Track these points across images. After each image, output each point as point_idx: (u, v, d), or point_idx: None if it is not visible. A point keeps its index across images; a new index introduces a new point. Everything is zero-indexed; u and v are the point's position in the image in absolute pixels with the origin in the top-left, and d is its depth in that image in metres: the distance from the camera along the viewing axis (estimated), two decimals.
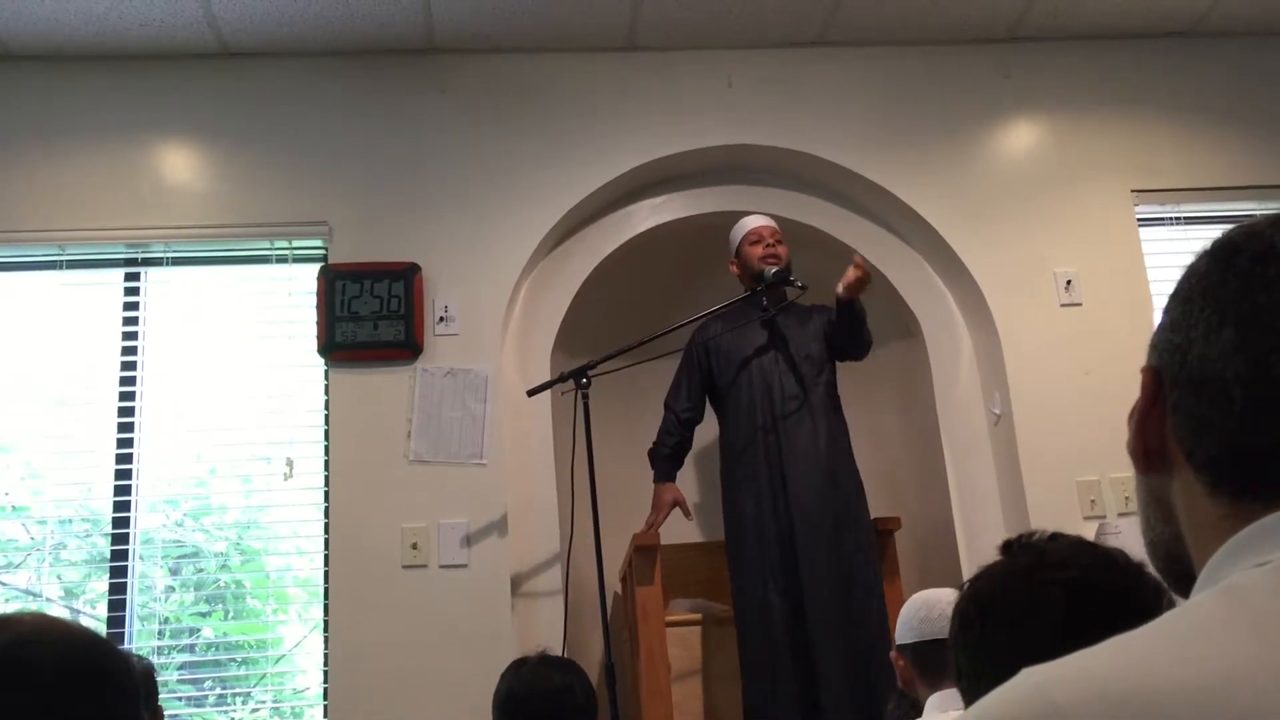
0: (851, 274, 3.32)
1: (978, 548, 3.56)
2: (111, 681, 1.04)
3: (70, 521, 3.59)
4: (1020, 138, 3.99)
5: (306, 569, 3.60)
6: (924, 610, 2.08)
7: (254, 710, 3.54)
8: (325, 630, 3.41)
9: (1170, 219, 4.01)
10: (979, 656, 1.17)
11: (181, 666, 3.54)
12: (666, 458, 3.54)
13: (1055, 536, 1.25)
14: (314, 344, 3.59)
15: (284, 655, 3.61)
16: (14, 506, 3.59)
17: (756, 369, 3.48)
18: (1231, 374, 0.64)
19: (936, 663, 1.94)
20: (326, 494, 3.51)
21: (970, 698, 1.16)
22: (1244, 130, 4.02)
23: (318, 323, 3.59)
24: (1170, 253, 3.91)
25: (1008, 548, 1.27)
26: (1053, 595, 1.15)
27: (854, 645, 3.15)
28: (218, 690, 3.54)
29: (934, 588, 2.25)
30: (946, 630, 1.69)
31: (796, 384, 3.44)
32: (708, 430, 3.66)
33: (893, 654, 2.15)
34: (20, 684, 0.98)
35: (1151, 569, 0.78)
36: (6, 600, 3.48)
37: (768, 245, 3.53)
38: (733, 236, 3.64)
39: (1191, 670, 0.53)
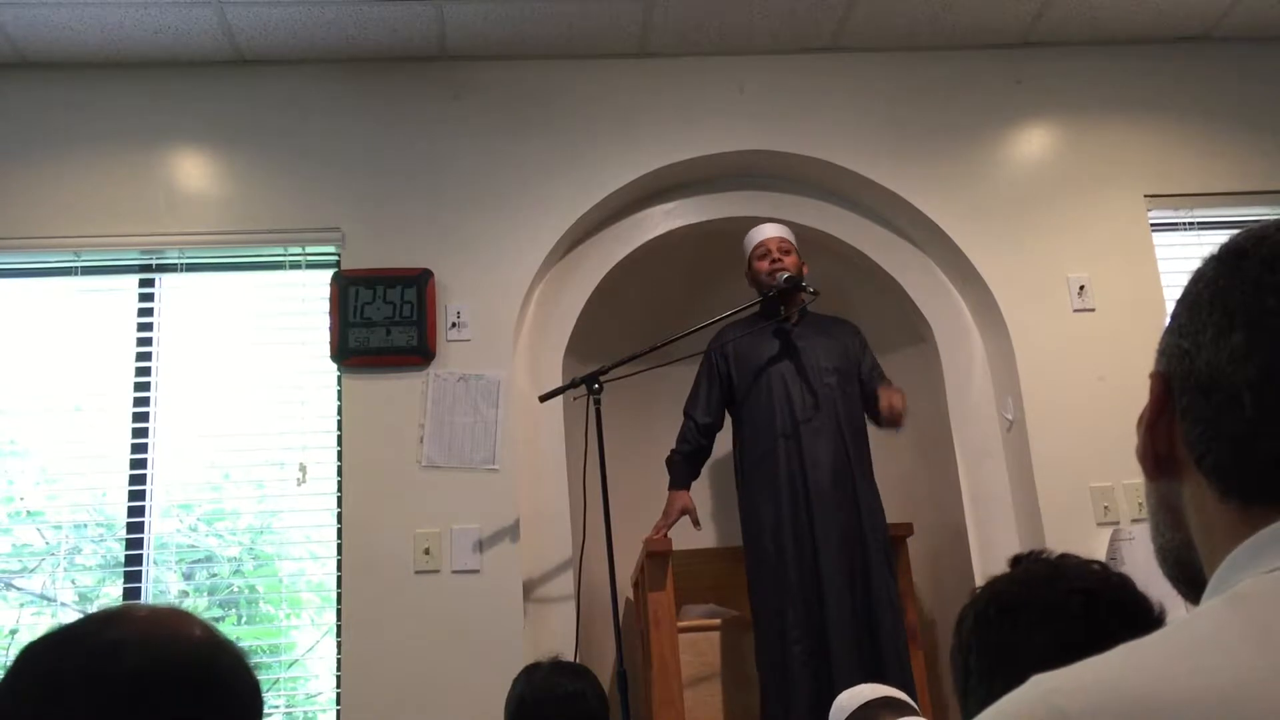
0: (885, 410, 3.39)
1: (991, 554, 3.55)
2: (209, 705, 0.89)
3: (85, 526, 3.61)
4: (1033, 143, 3.97)
5: (319, 574, 3.61)
6: (846, 698, 2.39)
7: (267, 715, 3.53)
8: (338, 635, 3.41)
9: (1184, 224, 3.99)
10: (995, 657, 1.20)
11: None
12: (682, 465, 3.53)
13: (1065, 556, 1.29)
14: (327, 350, 3.60)
15: (297, 660, 3.62)
16: (29, 511, 3.61)
17: (775, 375, 3.47)
18: (1241, 379, 0.64)
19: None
20: (339, 499, 3.52)
21: (976, 698, 1.18)
22: (1259, 135, 4.00)
23: (331, 328, 3.60)
24: (1184, 258, 3.89)
25: (1017, 561, 1.31)
26: (1073, 602, 1.18)
27: (871, 656, 3.14)
28: None
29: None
30: (869, 696, 2.29)
31: (813, 392, 3.43)
32: (721, 437, 3.65)
33: None
34: (89, 705, 0.86)
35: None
36: (21, 605, 3.49)
37: (773, 260, 3.52)
38: (745, 247, 3.65)
39: (1201, 680, 0.53)
